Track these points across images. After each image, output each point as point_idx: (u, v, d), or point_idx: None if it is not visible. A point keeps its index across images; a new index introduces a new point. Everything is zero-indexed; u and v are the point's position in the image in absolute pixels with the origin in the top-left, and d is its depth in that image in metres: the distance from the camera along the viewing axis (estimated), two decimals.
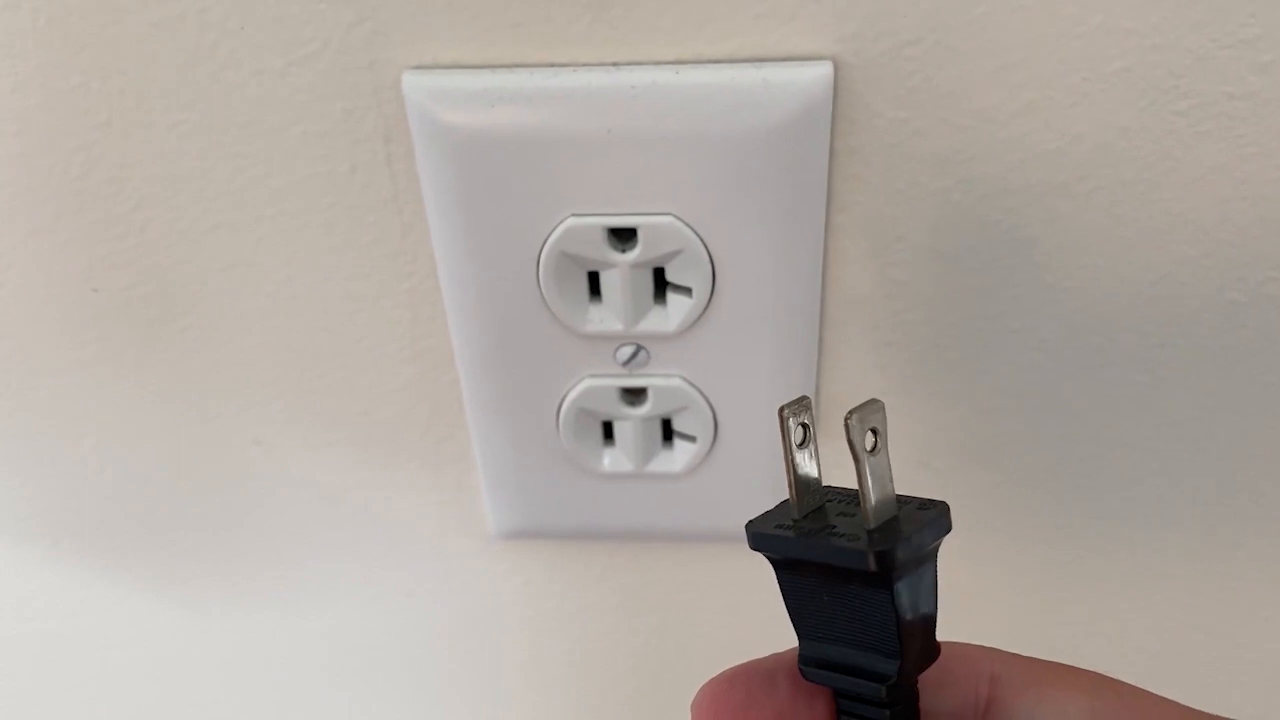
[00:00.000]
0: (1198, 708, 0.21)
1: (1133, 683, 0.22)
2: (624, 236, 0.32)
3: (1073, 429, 0.37)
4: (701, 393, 0.36)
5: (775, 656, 0.22)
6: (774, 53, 0.30)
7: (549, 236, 0.32)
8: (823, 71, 0.29)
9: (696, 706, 0.21)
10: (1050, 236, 0.33)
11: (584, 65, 0.30)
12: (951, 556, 0.40)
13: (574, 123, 0.30)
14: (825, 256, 0.33)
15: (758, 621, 0.44)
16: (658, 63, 0.30)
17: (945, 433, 0.38)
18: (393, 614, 0.46)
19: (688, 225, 0.31)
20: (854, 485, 0.21)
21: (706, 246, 0.32)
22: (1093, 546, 0.40)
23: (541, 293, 0.33)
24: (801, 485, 0.22)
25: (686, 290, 0.33)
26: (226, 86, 0.32)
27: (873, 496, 0.20)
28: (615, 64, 0.30)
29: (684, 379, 0.35)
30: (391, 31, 0.30)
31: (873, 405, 0.21)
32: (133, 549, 0.44)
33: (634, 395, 0.36)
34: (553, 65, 0.30)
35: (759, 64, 0.29)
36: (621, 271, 0.32)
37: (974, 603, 0.42)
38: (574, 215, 0.32)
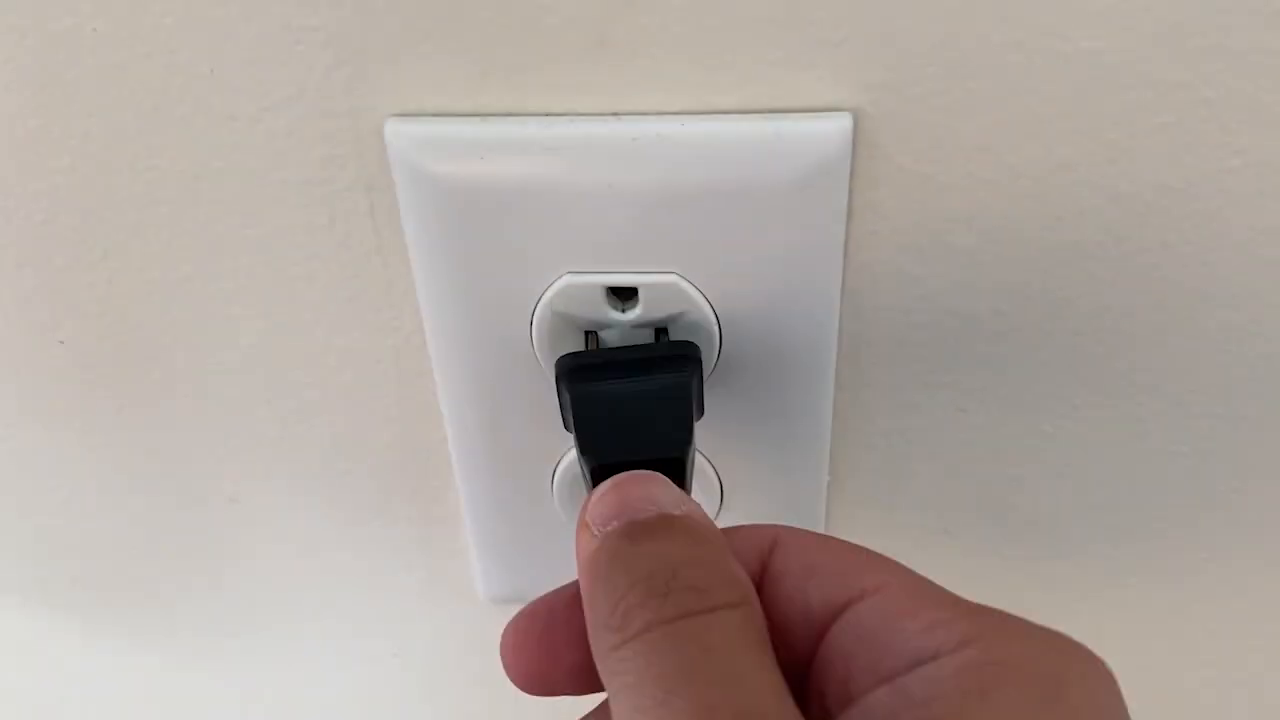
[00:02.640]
0: None
1: None
2: (624, 295, 0.30)
3: (1106, 500, 0.35)
4: (708, 460, 0.33)
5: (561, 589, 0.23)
6: (789, 103, 0.27)
7: (543, 295, 0.30)
8: (842, 125, 0.27)
9: (502, 644, 0.23)
10: (1085, 300, 0.30)
11: (583, 115, 0.28)
12: None
13: (571, 176, 0.28)
14: (841, 317, 0.31)
15: None
16: (663, 113, 0.27)
17: (967, 501, 0.35)
18: (378, 675, 0.43)
19: (693, 285, 0.29)
20: None
21: (713, 308, 0.29)
22: (1121, 614, 0.38)
23: (535, 353, 0.31)
24: None
25: None
26: (197, 132, 0.29)
27: None
28: (617, 114, 0.28)
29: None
30: (373, 75, 0.28)
31: None
32: (105, 607, 0.42)
33: None
34: (549, 114, 0.28)
35: (772, 116, 0.27)
36: (621, 332, 0.30)
37: None
38: (570, 273, 0.29)
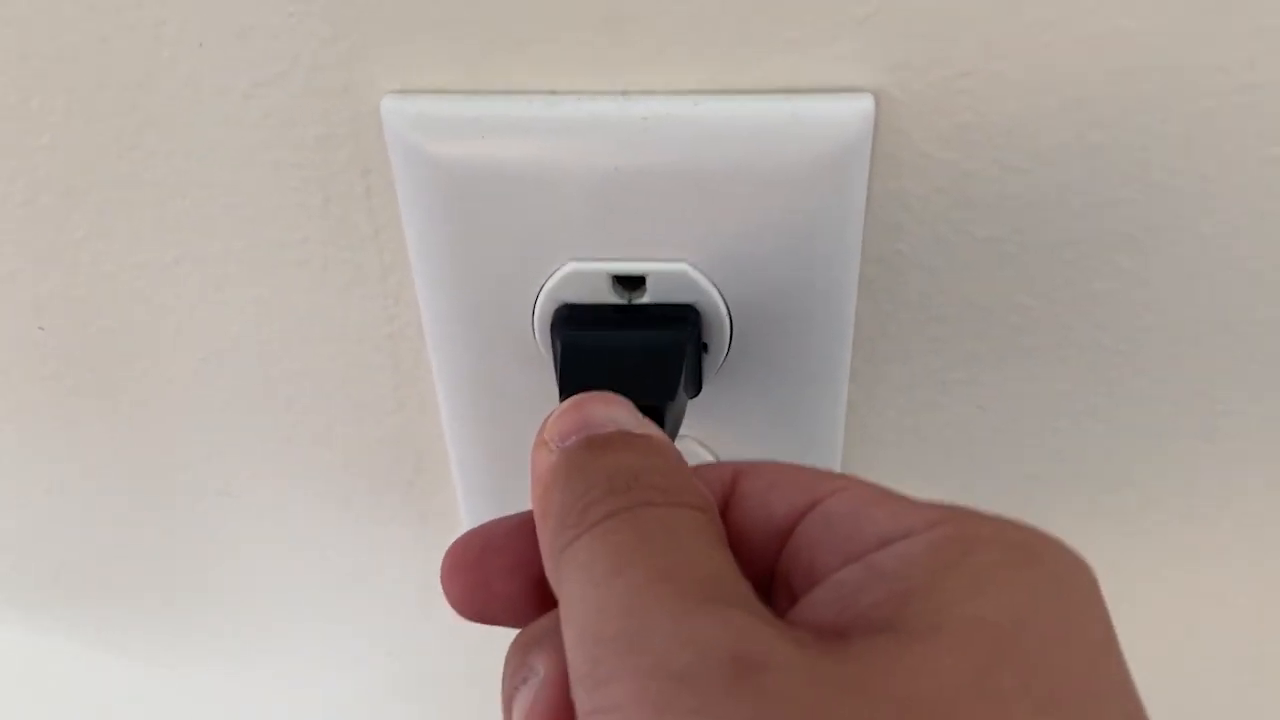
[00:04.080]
0: None
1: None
2: (631, 284, 0.28)
3: (1129, 501, 0.33)
4: (715, 455, 0.32)
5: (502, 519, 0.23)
6: (808, 83, 0.26)
7: (546, 282, 0.28)
8: (862, 106, 0.26)
9: (441, 568, 0.22)
10: (1113, 294, 0.29)
11: (590, 93, 0.26)
12: None
13: (577, 158, 0.26)
14: (857, 309, 0.30)
15: None
16: (674, 92, 0.26)
17: (985, 500, 0.34)
18: (371, 674, 0.42)
19: (703, 274, 0.28)
20: None
21: (724, 298, 0.28)
22: (1140, 613, 0.37)
23: (537, 343, 0.29)
24: None
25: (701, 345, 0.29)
26: (186, 108, 0.28)
27: None
28: (625, 92, 0.26)
29: (695, 440, 0.32)
30: (371, 49, 0.26)
31: None
32: (91, 602, 0.41)
33: None
34: (554, 92, 0.26)
35: (790, 96, 0.26)
36: None
37: None
38: (574, 260, 0.28)
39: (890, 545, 0.18)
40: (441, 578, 0.23)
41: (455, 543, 0.23)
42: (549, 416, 0.22)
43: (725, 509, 0.21)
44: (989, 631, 0.16)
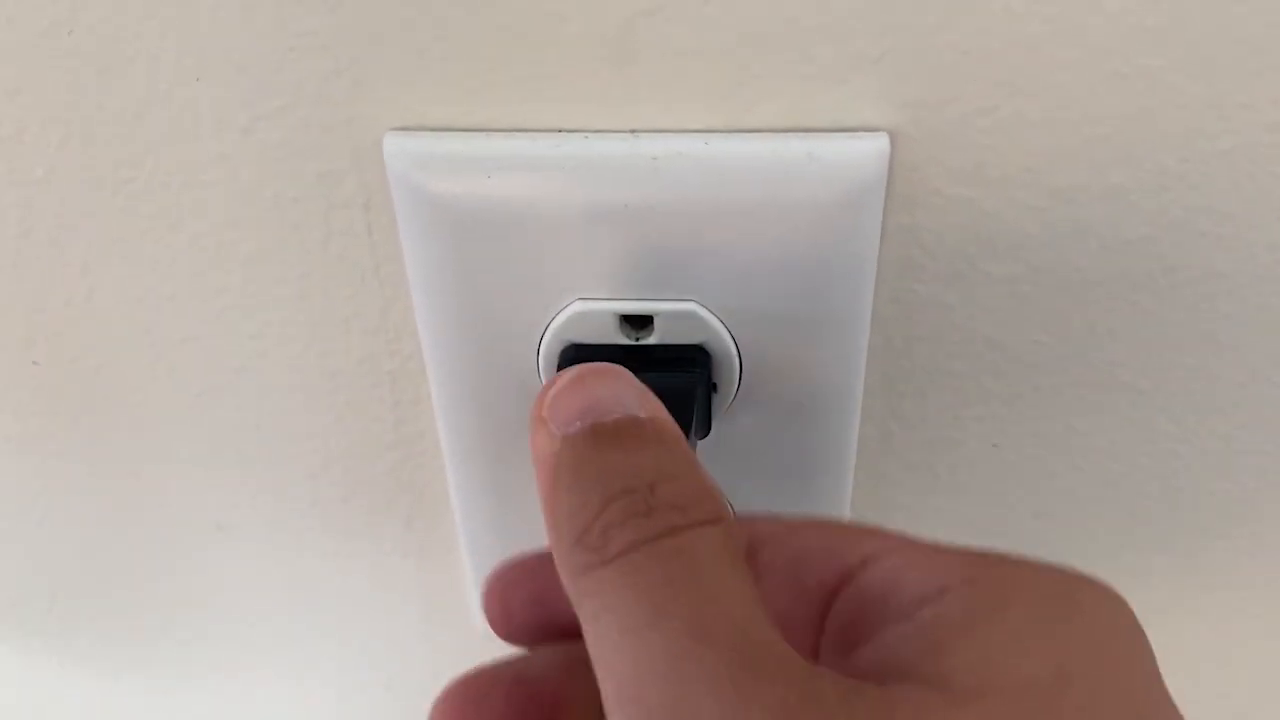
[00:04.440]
0: None
1: None
2: (638, 324, 0.28)
3: (1146, 539, 0.33)
4: (726, 497, 0.31)
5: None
6: (822, 122, 0.25)
7: (551, 322, 0.28)
8: (878, 146, 0.25)
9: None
10: (1129, 332, 0.28)
11: (598, 131, 0.26)
12: None
13: (584, 197, 0.26)
14: (870, 347, 0.29)
15: None
16: (684, 130, 0.25)
17: (999, 539, 0.33)
18: (370, 706, 0.41)
19: (713, 314, 0.27)
20: None
21: (734, 337, 0.27)
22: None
23: (542, 382, 0.29)
24: None
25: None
26: (184, 142, 0.27)
27: None
28: (634, 131, 0.26)
29: None
30: (374, 84, 0.26)
31: None
32: (86, 633, 0.40)
33: None
34: (561, 130, 0.26)
35: (803, 135, 0.25)
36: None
37: None
38: (581, 299, 0.27)
39: (927, 604, 0.18)
40: (481, 601, 0.24)
41: (491, 571, 0.24)
42: (547, 389, 0.21)
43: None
44: (1034, 691, 0.16)
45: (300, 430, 0.33)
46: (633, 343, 0.28)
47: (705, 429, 0.28)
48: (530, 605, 0.23)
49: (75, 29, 0.26)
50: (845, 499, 0.31)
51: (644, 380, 0.27)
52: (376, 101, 0.26)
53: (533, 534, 0.33)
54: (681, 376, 0.27)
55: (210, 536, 0.36)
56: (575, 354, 0.27)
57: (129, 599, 0.39)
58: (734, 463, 0.30)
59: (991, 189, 0.26)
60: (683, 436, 0.21)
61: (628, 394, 0.21)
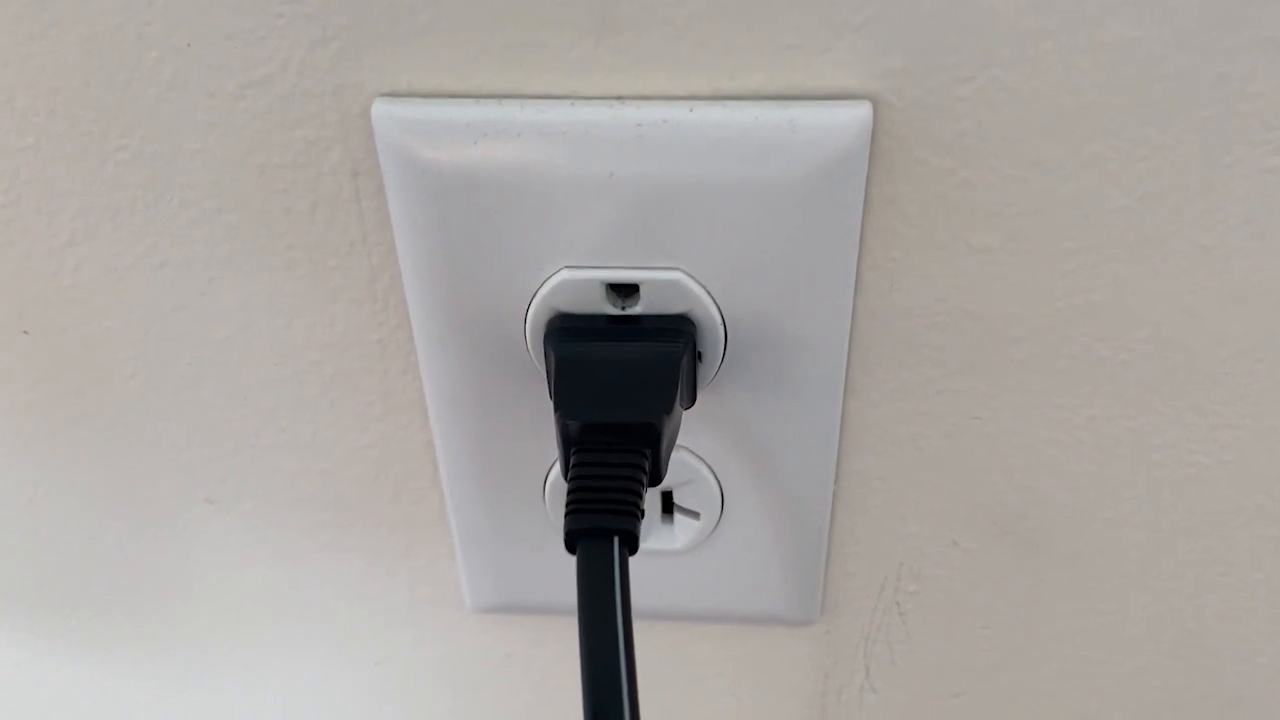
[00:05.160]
0: None
1: None
2: (625, 292, 0.28)
3: (1121, 514, 0.33)
4: (709, 465, 0.31)
5: None
6: (804, 89, 0.25)
7: (538, 290, 0.28)
8: (860, 113, 0.25)
9: None
10: (1110, 304, 0.29)
11: (584, 98, 0.26)
12: (977, 641, 0.36)
13: (571, 164, 0.26)
14: (854, 317, 0.29)
15: (763, 704, 0.40)
16: (669, 98, 0.26)
17: (977, 510, 0.34)
18: (359, 684, 0.42)
19: (698, 282, 0.27)
20: None
21: (719, 306, 0.28)
22: (1126, 634, 0.37)
23: (529, 352, 0.29)
24: None
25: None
26: (172, 110, 0.27)
27: None
28: (620, 98, 0.26)
29: (689, 452, 0.31)
30: (361, 52, 0.26)
31: None
32: (73, 610, 0.40)
33: None
34: (548, 97, 0.26)
35: (786, 102, 0.25)
36: None
37: (997, 675, 0.38)
38: (568, 267, 0.27)
39: None
40: None
41: None
42: None
43: None
44: None
45: (286, 401, 0.33)
46: (619, 312, 0.28)
47: (690, 398, 0.28)
48: None
49: None
50: (829, 470, 0.32)
51: (630, 350, 0.27)
52: (364, 69, 0.26)
53: (520, 505, 0.33)
54: (667, 346, 0.27)
55: (199, 510, 0.36)
56: (562, 323, 0.28)
57: (118, 575, 0.39)
58: (720, 432, 0.30)
59: (972, 158, 0.26)
60: None
61: None
